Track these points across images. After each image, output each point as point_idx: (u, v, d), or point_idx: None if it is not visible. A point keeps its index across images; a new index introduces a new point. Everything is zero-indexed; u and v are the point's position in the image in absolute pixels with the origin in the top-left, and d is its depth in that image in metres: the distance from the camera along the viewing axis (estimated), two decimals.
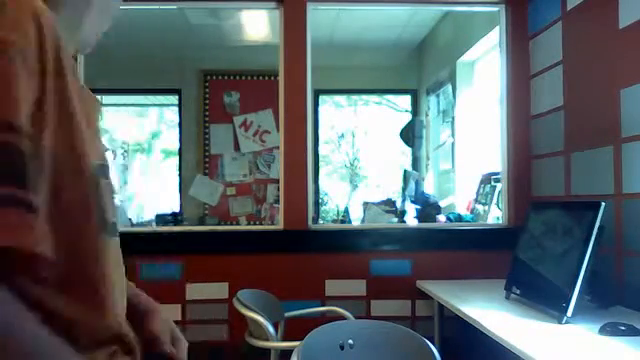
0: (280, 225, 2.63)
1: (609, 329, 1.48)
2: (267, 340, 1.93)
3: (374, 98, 5.15)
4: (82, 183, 0.66)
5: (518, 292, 1.91)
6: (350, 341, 1.50)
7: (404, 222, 3.14)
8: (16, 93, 0.56)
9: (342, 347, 1.49)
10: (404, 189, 3.54)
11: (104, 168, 0.74)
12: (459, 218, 3.06)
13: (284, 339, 2.10)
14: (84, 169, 0.66)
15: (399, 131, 4.34)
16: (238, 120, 4.55)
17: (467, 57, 3.68)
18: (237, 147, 4.54)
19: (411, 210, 3.25)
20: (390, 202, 3.29)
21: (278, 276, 2.49)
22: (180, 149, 4.76)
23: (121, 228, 0.79)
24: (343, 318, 2.20)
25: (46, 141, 0.60)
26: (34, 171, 0.57)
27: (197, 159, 4.59)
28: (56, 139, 0.62)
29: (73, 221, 0.64)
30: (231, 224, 4.44)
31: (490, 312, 1.76)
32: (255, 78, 4.62)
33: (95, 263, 0.68)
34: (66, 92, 0.65)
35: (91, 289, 0.67)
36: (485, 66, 3.62)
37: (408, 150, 4.53)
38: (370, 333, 1.52)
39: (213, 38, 4.34)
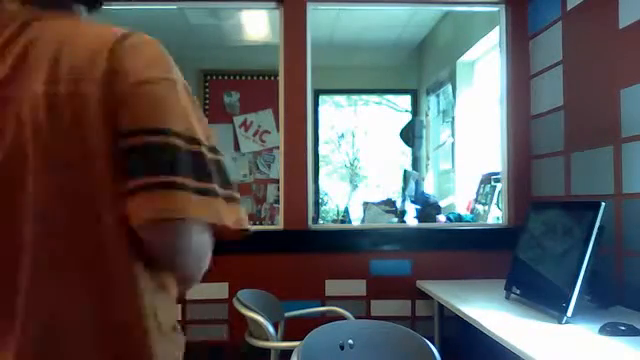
0: (280, 225, 2.62)
1: (609, 329, 1.48)
2: (267, 340, 1.92)
3: (374, 98, 5.15)
4: None
5: (518, 292, 1.91)
6: (350, 341, 1.50)
7: (404, 222, 3.14)
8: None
9: (342, 347, 1.49)
10: (404, 189, 3.54)
11: None
12: (459, 218, 3.06)
13: (284, 339, 2.10)
14: None
15: (399, 131, 4.34)
16: (238, 120, 4.55)
17: (467, 57, 3.68)
18: (237, 147, 4.54)
19: (411, 210, 3.25)
20: (390, 202, 3.29)
21: (278, 276, 2.48)
22: None
23: None
24: (343, 318, 2.20)
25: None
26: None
27: None
28: None
29: None
30: None
31: (490, 312, 1.76)
32: (255, 78, 4.62)
33: None
34: None
35: None
36: (485, 66, 3.62)
37: (408, 150, 4.54)
38: (370, 333, 1.52)
39: (213, 38, 4.34)
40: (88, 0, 0.86)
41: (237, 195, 0.81)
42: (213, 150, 0.78)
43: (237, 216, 0.80)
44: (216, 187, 0.76)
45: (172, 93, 0.74)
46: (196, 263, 0.84)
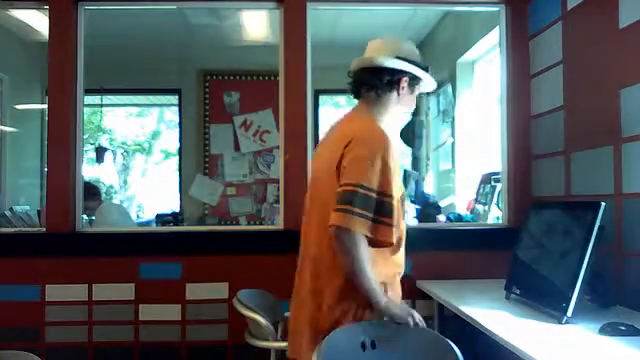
0: (280, 225, 2.62)
1: (609, 329, 1.48)
2: (267, 340, 1.92)
3: None
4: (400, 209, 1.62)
5: (518, 292, 1.91)
6: (371, 341, 1.49)
7: None
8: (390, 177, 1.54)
9: (364, 347, 1.49)
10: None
11: (402, 197, 1.65)
12: (459, 218, 3.06)
13: (284, 339, 2.09)
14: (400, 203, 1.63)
15: (399, 131, 4.33)
16: (238, 120, 4.55)
17: (467, 57, 3.68)
18: (237, 147, 4.54)
19: (411, 210, 3.25)
20: None
21: (278, 276, 2.46)
22: (180, 149, 4.75)
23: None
24: None
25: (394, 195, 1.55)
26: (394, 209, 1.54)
27: (197, 159, 4.58)
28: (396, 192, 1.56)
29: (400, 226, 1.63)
30: (231, 224, 4.44)
31: (490, 312, 1.76)
32: (255, 78, 4.62)
33: (404, 235, 1.66)
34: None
35: (400, 244, 1.64)
36: (485, 66, 3.62)
37: (408, 150, 4.53)
38: (392, 334, 1.51)
39: (213, 38, 4.34)
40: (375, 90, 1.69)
41: (390, 222, 1.51)
42: (382, 194, 1.50)
43: (385, 233, 1.51)
44: (370, 215, 1.48)
45: (365, 163, 1.51)
46: (347, 251, 1.49)
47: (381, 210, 1.50)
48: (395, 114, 1.74)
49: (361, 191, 1.47)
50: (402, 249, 1.67)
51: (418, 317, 1.56)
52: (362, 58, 1.72)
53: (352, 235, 1.45)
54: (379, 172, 1.50)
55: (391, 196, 1.51)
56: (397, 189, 1.56)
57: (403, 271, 1.68)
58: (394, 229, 1.52)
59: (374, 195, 1.49)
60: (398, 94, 1.69)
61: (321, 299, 1.57)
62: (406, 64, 1.68)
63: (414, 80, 1.72)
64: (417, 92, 1.77)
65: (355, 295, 1.52)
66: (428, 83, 1.78)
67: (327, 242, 1.55)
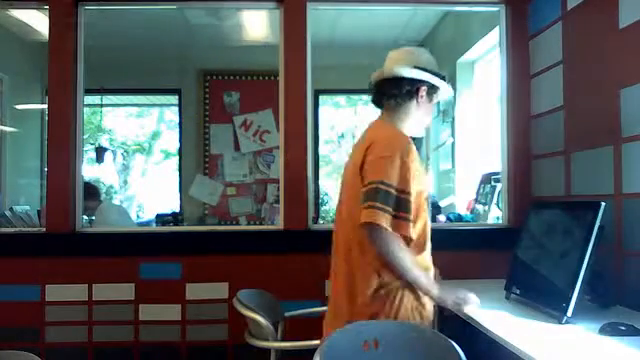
0: (280, 225, 2.62)
1: (609, 329, 1.48)
2: (267, 340, 1.92)
3: None
4: (424, 205, 1.70)
5: (518, 292, 1.91)
6: (374, 341, 1.49)
7: None
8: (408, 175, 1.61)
9: (367, 347, 1.48)
10: None
11: (429, 196, 1.76)
12: (459, 218, 3.06)
13: (284, 339, 2.10)
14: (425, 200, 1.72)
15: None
16: (238, 120, 4.55)
17: (467, 57, 3.68)
18: (237, 147, 4.54)
19: None
20: None
21: (278, 276, 2.48)
22: (180, 149, 4.75)
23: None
24: None
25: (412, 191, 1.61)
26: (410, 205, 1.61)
27: (197, 159, 4.58)
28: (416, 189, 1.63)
29: (422, 220, 1.70)
30: (231, 224, 4.44)
31: (490, 312, 1.75)
32: (255, 78, 4.61)
33: (427, 234, 1.73)
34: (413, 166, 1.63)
35: (425, 243, 1.72)
36: (485, 66, 3.62)
37: None
38: (394, 334, 1.51)
39: (213, 38, 4.34)
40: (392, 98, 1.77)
41: (407, 217, 1.58)
42: (400, 191, 1.57)
43: (403, 228, 1.58)
44: (391, 209, 1.55)
45: (384, 161, 1.59)
46: (382, 247, 1.56)
47: (400, 206, 1.57)
48: (415, 120, 1.79)
49: (382, 187, 1.55)
50: (428, 249, 1.73)
51: (474, 301, 1.68)
52: (382, 69, 1.80)
53: (381, 230, 1.52)
54: (398, 169, 1.57)
55: (409, 193, 1.59)
56: (422, 188, 1.67)
57: (431, 271, 1.73)
58: (411, 224, 1.59)
59: (394, 191, 1.56)
60: (417, 102, 1.76)
61: (355, 298, 1.64)
62: (424, 74, 1.75)
63: (432, 89, 1.78)
64: (435, 100, 1.83)
65: (389, 289, 1.61)
66: (445, 91, 1.82)
67: (356, 242, 1.64)
